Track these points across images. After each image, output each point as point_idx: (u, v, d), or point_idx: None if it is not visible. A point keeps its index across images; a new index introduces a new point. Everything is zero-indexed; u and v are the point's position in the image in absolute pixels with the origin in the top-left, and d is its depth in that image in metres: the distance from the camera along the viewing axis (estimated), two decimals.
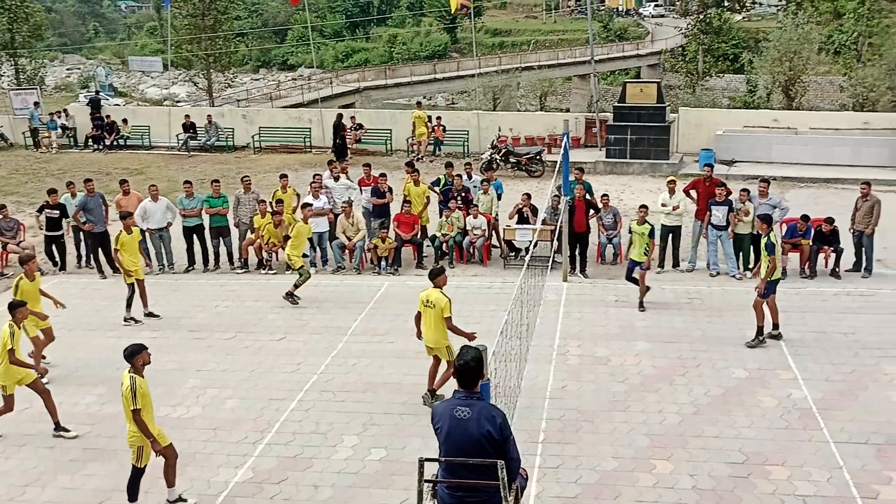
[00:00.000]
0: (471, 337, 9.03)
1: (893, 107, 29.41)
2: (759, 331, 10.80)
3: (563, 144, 13.51)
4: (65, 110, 30.23)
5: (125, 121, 28.52)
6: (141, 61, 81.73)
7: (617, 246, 14.77)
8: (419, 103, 27.25)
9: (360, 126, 26.41)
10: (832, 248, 13.68)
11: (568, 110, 46.94)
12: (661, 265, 14.25)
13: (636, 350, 10.93)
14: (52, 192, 15.24)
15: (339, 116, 25.56)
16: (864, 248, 13.65)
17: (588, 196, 14.65)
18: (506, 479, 5.20)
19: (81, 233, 15.07)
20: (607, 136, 23.86)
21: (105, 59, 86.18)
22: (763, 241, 10.76)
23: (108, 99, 46.46)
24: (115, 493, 7.98)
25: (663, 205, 14.20)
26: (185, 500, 7.79)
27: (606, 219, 14.71)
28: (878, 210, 13.58)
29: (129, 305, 12.53)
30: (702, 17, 50.89)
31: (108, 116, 28.75)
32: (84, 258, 15.38)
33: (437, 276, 9.46)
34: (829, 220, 13.66)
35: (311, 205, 13.90)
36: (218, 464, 8.48)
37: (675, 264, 14.38)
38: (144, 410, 7.46)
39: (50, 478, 8.34)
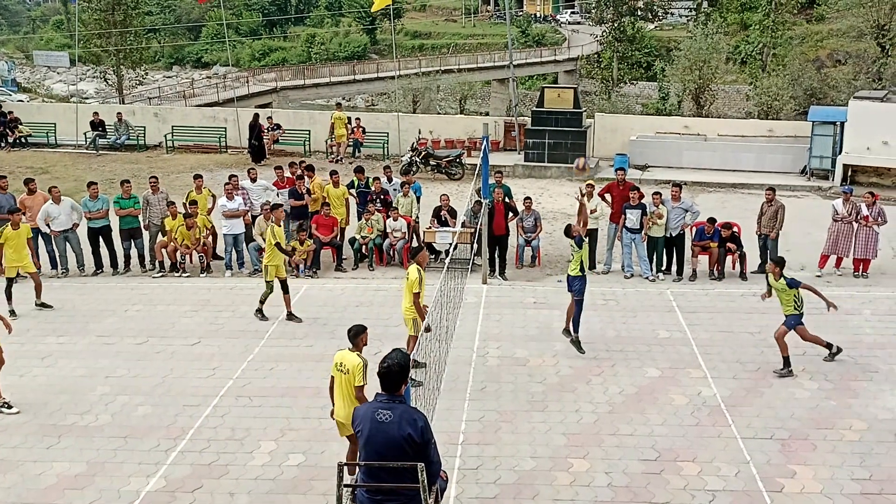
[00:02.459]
0: (425, 322, 8.99)
1: (796, 115, 30.88)
2: (786, 361, 10.35)
3: (482, 148, 13.63)
4: None
5: (17, 120, 27.16)
6: (46, 56, 78.16)
7: (536, 249, 15.00)
8: (339, 104, 27.02)
9: (278, 126, 26.03)
10: (739, 252, 14.23)
11: (487, 114, 47.38)
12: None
13: (554, 351, 11.11)
14: None
15: (256, 116, 25.10)
16: (768, 251, 14.26)
17: (507, 199, 14.82)
18: (426, 481, 5.20)
19: None
20: (526, 139, 24.22)
21: (7, 53, 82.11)
22: (779, 282, 10.32)
23: (10, 94, 44.32)
24: None
25: None
26: None
27: (528, 222, 14.91)
28: (783, 215, 14.22)
29: (9, 298, 12.56)
30: (616, 25, 52.22)
31: (10, 113, 27.42)
32: None
33: (416, 255, 10.13)
34: (727, 225, 14.19)
35: (281, 205, 13.29)
36: (129, 473, 8.17)
37: (591, 266, 14.69)
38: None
39: None
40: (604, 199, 14.78)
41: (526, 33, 74.49)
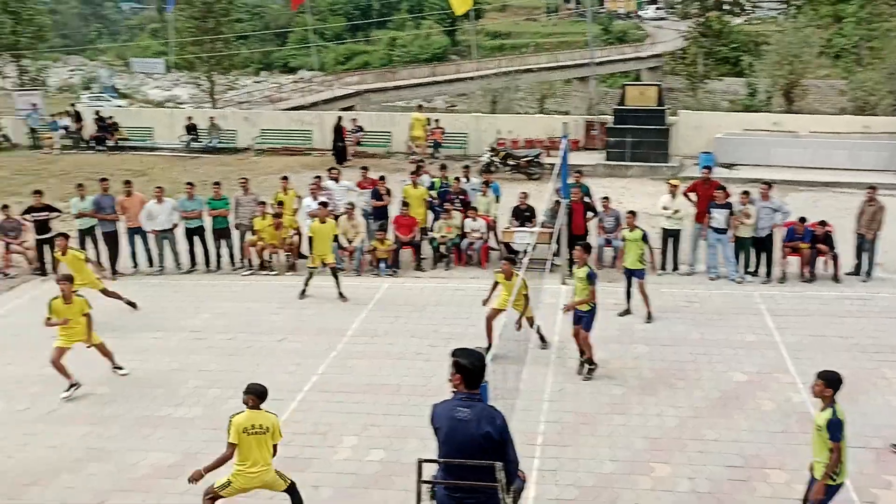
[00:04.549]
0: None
1: (893, 111, 29.47)
2: None
3: (561, 147, 13.56)
4: (69, 112, 30.25)
5: (116, 125, 28.44)
6: (143, 63, 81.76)
7: (617, 249, 14.80)
8: (420, 106, 27.24)
9: (360, 128, 26.48)
10: (831, 253, 13.71)
11: (567, 113, 46.87)
12: (663, 267, 14.28)
13: (635, 353, 10.97)
14: (36, 192, 15.24)
15: (339, 119, 25.62)
16: (865, 252, 13.68)
17: (586, 199, 14.69)
18: (504, 480, 5.24)
19: (88, 236, 15.06)
20: (607, 138, 23.91)
21: (108, 61, 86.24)
22: None
23: (110, 100, 46.57)
24: (113, 494, 8.01)
25: (664, 208, 14.23)
26: None
27: (607, 221, 14.75)
28: (883, 216, 13.61)
29: None
30: (702, 20, 50.92)
31: (110, 118, 28.79)
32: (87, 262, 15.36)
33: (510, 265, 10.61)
34: (822, 223, 13.70)
35: (326, 204, 14.00)
36: None
37: (675, 267, 14.41)
38: None
39: (51, 477, 8.36)
40: (688, 198, 14.48)
41: (608, 30, 73.56)
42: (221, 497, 7.10)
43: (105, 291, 12.75)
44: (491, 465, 5.21)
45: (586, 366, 10.28)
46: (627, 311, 12.37)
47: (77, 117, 28.51)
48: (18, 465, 8.63)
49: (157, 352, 11.54)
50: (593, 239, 14.80)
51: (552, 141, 24.70)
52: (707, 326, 11.84)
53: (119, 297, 12.94)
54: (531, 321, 10.75)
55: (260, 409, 7.03)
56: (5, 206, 15.48)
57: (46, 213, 14.97)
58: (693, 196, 14.47)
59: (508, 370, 8.37)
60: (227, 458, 7.01)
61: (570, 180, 14.08)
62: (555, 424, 9.14)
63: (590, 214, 14.53)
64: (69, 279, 10.27)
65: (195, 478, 7.07)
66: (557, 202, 14.08)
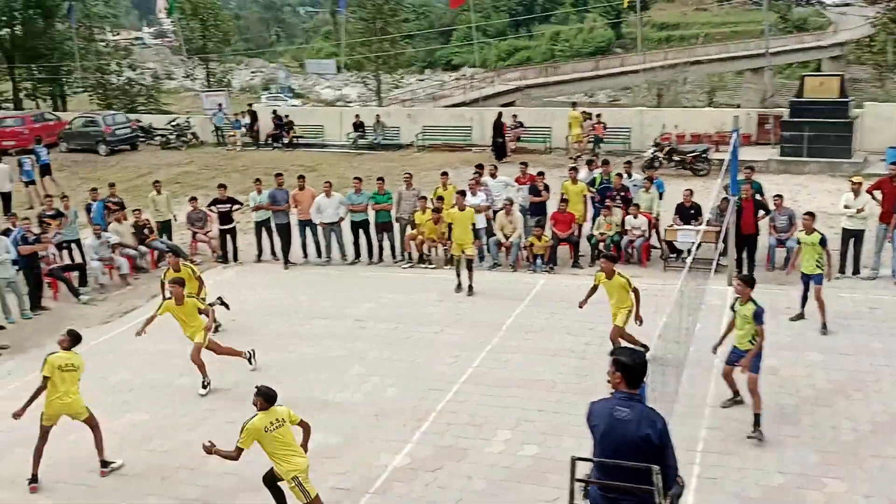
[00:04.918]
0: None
1: None
2: None
3: (732, 142, 12.94)
4: (247, 112, 32.45)
5: (292, 123, 30.06)
6: (317, 64, 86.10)
7: (790, 250, 13.94)
8: (574, 104, 26.74)
9: (521, 124, 26.48)
10: None
11: (739, 106, 44.64)
12: (842, 271, 13.31)
13: (808, 361, 10.30)
14: (221, 186, 16.42)
15: (499, 115, 25.76)
16: None
17: (757, 196, 13.94)
18: (661, 485, 5.10)
19: (264, 227, 16.10)
20: (782, 133, 22.52)
21: (285, 63, 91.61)
22: None
23: (286, 100, 49.44)
24: None
25: (846, 206, 13.25)
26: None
27: (780, 221, 13.93)
28: None
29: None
30: (892, 5, 46.76)
31: (286, 116, 30.56)
32: (262, 252, 16.39)
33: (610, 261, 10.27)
34: None
35: (464, 193, 14.24)
36: (378, 448, 8.85)
37: (856, 271, 13.39)
38: None
39: None
40: (873, 196, 13.41)
41: (785, 19, 69.26)
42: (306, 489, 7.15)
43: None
44: (648, 468, 5.09)
45: (736, 402, 9.21)
46: (801, 316, 11.63)
47: (253, 117, 30.43)
48: (200, 437, 9.29)
49: (323, 337, 12.16)
50: (764, 238, 14.06)
51: (721, 136, 23.61)
52: (890, 336, 10.91)
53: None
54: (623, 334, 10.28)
55: (270, 409, 7.18)
56: (193, 199, 16.84)
57: (229, 205, 16.11)
58: (878, 194, 13.39)
59: (668, 372, 8.12)
60: (234, 459, 7.23)
61: (740, 177, 13.41)
62: (717, 431, 8.77)
63: (761, 213, 13.78)
64: (181, 282, 10.63)
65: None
66: (726, 199, 13.46)
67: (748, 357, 8.61)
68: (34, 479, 8.49)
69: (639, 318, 10.31)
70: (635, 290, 10.23)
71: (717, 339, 9.29)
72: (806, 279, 11.46)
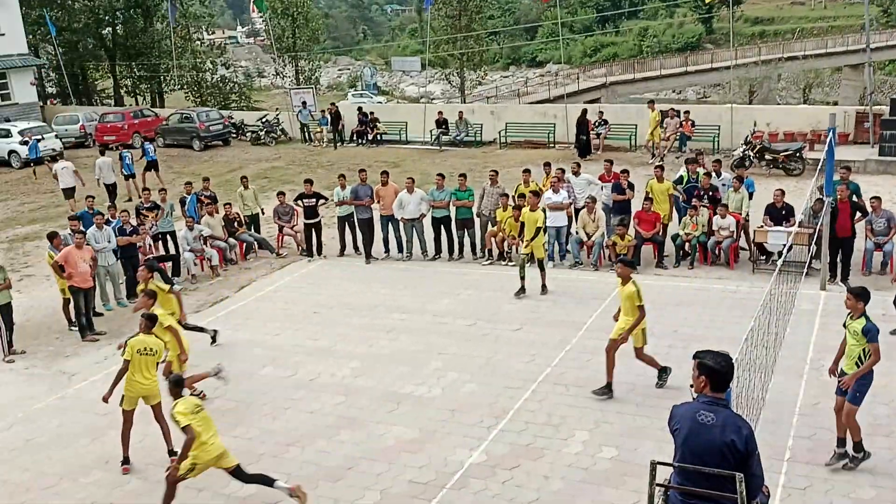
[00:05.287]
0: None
1: None
2: None
3: (827, 140, 12.42)
4: (331, 110, 33.09)
5: (377, 120, 30.42)
6: (402, 61, 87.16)
7: (888, 255, 13.31)
8: (651, 102, 25.82)
9: (605, 122, 26.05)
10: None
11: (836, 103, 42.86)
12: None
13: None
14: (307, 181, 16.76)
15: (584, 112, 25.44)
16: None
17: (854, 197, 13.34)
18: (745, 493, 4.95)
19: (347, 222, 16.38)
20: (882, 131, 21.48)
21: (371, 61, 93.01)
22: None
23: (371, 97, 50.17)
24: (361, 461, 8.68)
25: None
26: None
27: (878, 224, 13.32)
28: None
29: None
30: None
31: (371, 113, 31.00)
32: (345, 246, 16.66)
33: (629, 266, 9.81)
34: None
35: (537, 193, 14.09)
36: (455, 444, 8.90)
37: None
38: None
39: (309, 441, 9.25)
40: None
41: (888, 12, 65.91)
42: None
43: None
44: (731, 476, 4.95)
45: (845, 456, 8.04)
46: None
47: (336, 116, 30.94)
48: (282, 426, 9.63)
49: (403, 331, 12.30)
50: (860, 242, 13.46)
51: (815, 134, 22.72)
52: None
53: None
54: (639, 354, 9.77)
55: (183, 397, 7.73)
56: (280, 193, 17.28)
57: (315, 200, 16.46)
58: None
59: (754, 378, 7.86)
60: (189, 443, 7.47)
61: (836, 177, 12.87)
62: (806, 440, 8.46)
63: (858, 215, 13.19)
64: (152, 295, 10.10)
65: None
66: (820, 200, 12.96)
67: (851, 377, 7.71)
68: (126, 460, 8.91)
69: (625, 339, 9.63)
70: (641, 307, 9.55)
71: (832, 361, 8.31)
72: None
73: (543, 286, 13.49)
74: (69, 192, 21.85)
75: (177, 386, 7.78)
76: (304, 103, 31.75)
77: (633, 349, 9.78)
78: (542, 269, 13.50)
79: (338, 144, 29.99)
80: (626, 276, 9.66)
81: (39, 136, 29.49)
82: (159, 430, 8.92)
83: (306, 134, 31.30)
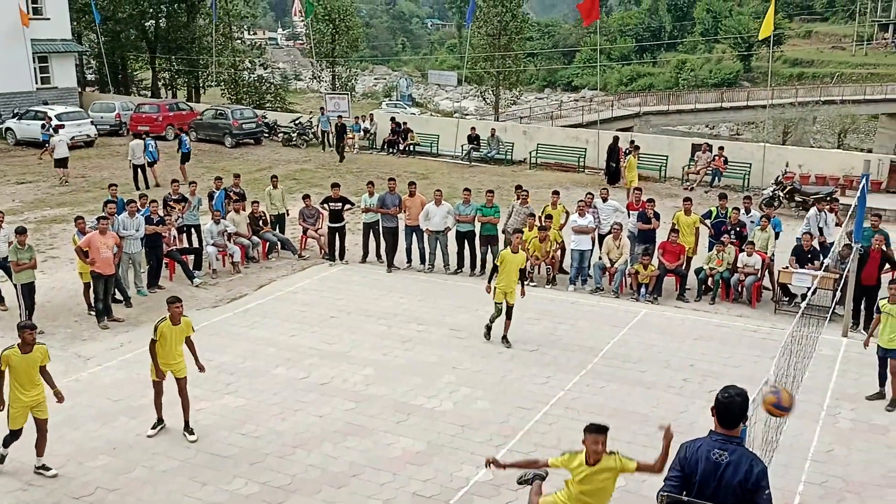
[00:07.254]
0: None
1: None
2: None
3: (860, 187, 12.30)
4: (370, 115, 33.33)
5: (409, 130, 30.51)
6: (438, 75, 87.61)
7: None
8: (634, 145, 24.45)
9: (637, 148, 25.93)
10: None
11: (870, 151, 42.44)
12: None
13: None
14: (334, 185, 16.82)
15: (616, 139, 25.40)
16: None
17: (885, 247, 13.18)
18: None
19: (372, 230, 16.42)
20: None
21: (408, 72, 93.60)
22: None
23: (405, 108, 50.45)
24: (366, 469, 8.66)
25: None
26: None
27: None
28: None
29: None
30: None
31: (404, 123, 31.15)
32: (368, 253, 16.70)
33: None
34: None
35: (521, 231, 13.49)
36: (462, 459, 8.85)
37: None
38: None
39: (315, 444, 9.25)
40: None
41: None
42: None
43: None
44: None
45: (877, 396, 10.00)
46: (880, 395, 10.43)
47: (341, 129, 30.88)
48: (290, 428, 9.63)
49: (419, 342, 12.29)
50: (884, 292, 13.25)
51: (848, 179, 22.51)
52: None
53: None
54: None
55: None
56: (307, 196, 17.38)
57: (341, 205, 16.52)
58: None
59: (769, 419, 7.76)
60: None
61: (866, 224, 12.72)
62: (816, 487, 8.32)
63: (887, 266, 13.01)
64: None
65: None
66: (848, 246, 12.81)
67: None
68: (159, 421, 9.42)
69: None
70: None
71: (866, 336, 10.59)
72: (883, 354, 10.32)
73: (504, 337, 12.23)
74: (61, 162, 24.23)
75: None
76: (321, 109, 31.93)
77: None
78: (509, 317, 12.16)
79: (371, 151, 30.05)
80: (597, 455, 6.21)
81: (56, 124, 29.20)
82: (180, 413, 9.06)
83: (327, 140, 31.17)
